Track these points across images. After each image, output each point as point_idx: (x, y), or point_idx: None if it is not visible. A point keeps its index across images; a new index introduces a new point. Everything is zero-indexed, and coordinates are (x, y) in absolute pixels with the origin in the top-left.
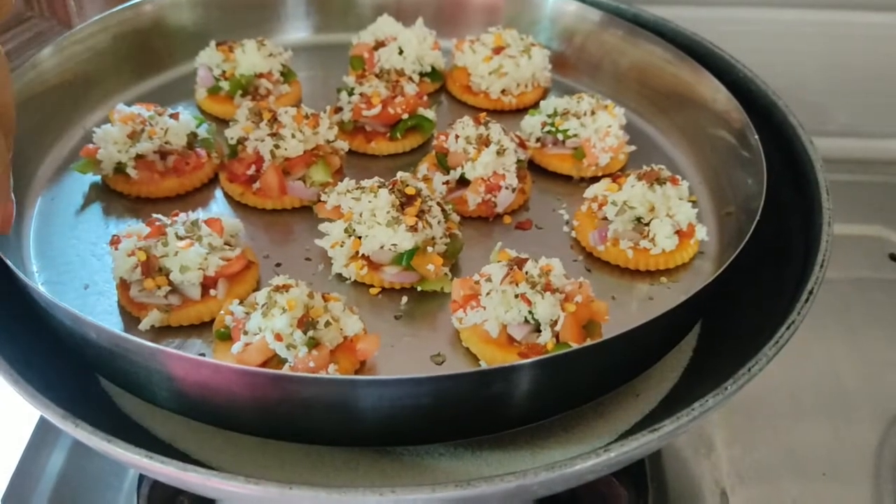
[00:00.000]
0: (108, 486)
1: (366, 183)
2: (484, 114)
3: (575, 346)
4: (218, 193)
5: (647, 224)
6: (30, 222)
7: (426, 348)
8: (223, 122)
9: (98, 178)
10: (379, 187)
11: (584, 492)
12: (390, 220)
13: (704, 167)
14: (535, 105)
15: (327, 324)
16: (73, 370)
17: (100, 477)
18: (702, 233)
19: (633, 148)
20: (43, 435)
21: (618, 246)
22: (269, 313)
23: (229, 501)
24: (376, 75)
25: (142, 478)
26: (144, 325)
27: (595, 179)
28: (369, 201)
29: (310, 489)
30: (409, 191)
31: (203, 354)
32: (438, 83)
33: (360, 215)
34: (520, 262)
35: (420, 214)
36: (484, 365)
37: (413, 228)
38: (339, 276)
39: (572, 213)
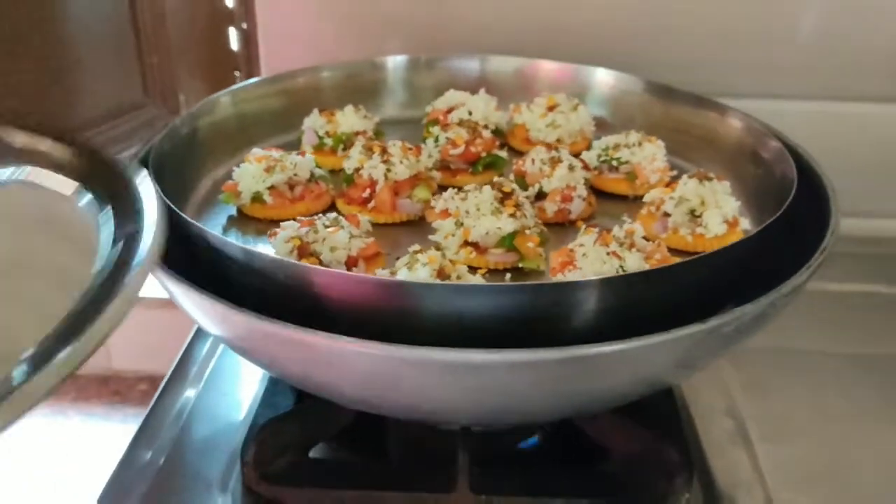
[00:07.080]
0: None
1: (469, 187)
2: (554, 142)
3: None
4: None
5: (700, 216)
6: None
7: None
8: (329, 172)
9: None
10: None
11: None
12: (494, 209)
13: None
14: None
15: (458, 278)
16: None
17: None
18: (745, 223)
19: (675, 172)
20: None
21: (678, 233)
22: (413, 267)
23: None
24: (457, 124)
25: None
26: None
27: None
28: (475, 197)
29: None
30: (506, 188)
31: None
32: (501, 139)
33: (467, 211)
34: (607, 230)
35: (516, 205)
36: None
37: (513, 215)
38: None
39: (633, 218)
